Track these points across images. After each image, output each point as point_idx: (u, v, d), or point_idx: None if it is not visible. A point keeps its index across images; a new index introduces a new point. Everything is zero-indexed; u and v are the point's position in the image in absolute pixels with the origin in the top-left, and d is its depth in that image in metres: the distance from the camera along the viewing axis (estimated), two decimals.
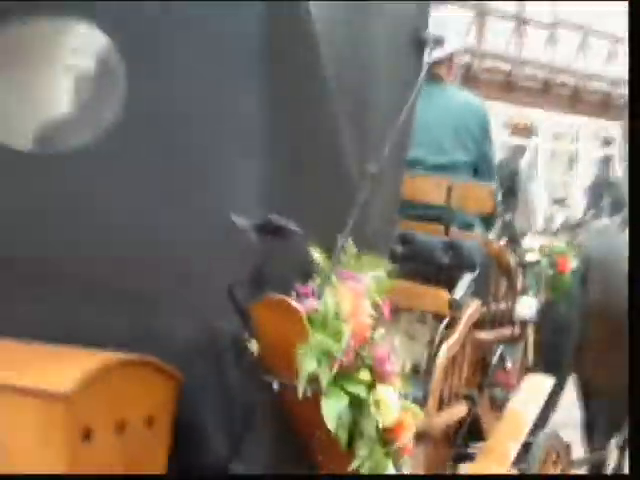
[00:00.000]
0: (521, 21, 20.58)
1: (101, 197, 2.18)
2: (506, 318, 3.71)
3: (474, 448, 3.64)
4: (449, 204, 3.38)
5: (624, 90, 22.93)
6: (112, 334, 2.12)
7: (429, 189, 3.36)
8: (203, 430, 2.18)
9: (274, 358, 2.09)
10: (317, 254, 2.15)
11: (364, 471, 2.14)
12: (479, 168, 3.62)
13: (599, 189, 5.88)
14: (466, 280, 3.22)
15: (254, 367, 2.12)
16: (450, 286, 3.25)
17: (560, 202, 7.48)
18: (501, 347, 3.74)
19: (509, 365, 3.81)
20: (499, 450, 3.52)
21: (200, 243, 2.13)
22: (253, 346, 2.09)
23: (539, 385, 3.80)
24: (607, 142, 23.70)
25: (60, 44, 2.42)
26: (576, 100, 21.84)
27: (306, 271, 2.17)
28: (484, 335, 3.51)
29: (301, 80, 2.17)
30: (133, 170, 2.17)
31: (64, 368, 1.98)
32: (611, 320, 4.82)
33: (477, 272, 3.29)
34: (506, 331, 3.71)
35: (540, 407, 3.70)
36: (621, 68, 22.92)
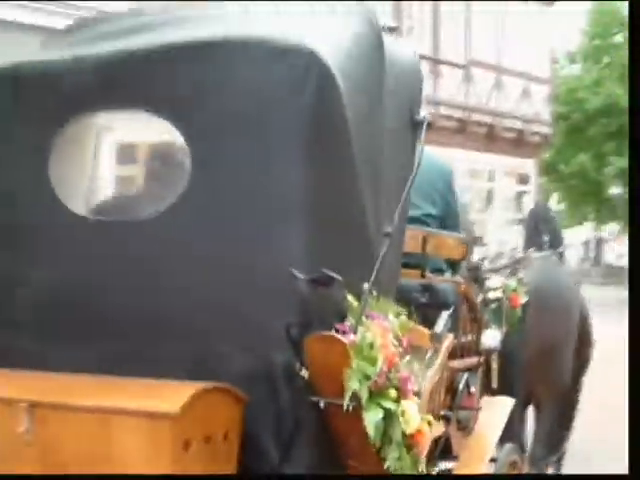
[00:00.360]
0: (436, 62, 21.61)
1: (176, 256, 2.81)
2: (472, 349, 4.40)
3: (446, 465, 4.28)
4: (424, 252, 4.08)
5: (538, 128, 24.29)
6: (186, 365, 2.74)
7: (407, 240, 4.04)
8: (261, 440, 2.79)
9: (321, 381, 2.73)
10: (351, 299, 2.80)
11: (393, 471, 2.79)
12: (446, 220, 4.34)
13: (536, 224, 6.58)
14: (444, 317, 3.91)
15: (303, 390, 2.76)
16: (426, 322, 3.92)
17: (477, 240, 8.23)
18: (466, 374, 4.42)
19: (473, 390, 4.49)
20: (470, 467, 4.15)
21: (256, 291, 2.76)
22: (304, 372, 2.73)
23: (501, 406, 4.50)
24: (522, 179, 25.03)
25: (131, 132, 3.06)
26: (491, 138, 22.96)
27: (340, 311, 2.82)
28: (455, 364, 4.19)
29: (334, 159, 2.84)
30: (199, 232, 2.80)
31: (166, 395, 2.60)
32: (546, 344, 5.59)
33: (452, 310, 3.98)
34: (473, 360, 4.40)
35: (503, 425, 4.39)
36: (535, 106, 24.30)
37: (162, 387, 2.66)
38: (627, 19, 28.42)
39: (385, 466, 2.78)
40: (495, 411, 4.43)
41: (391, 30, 14.83)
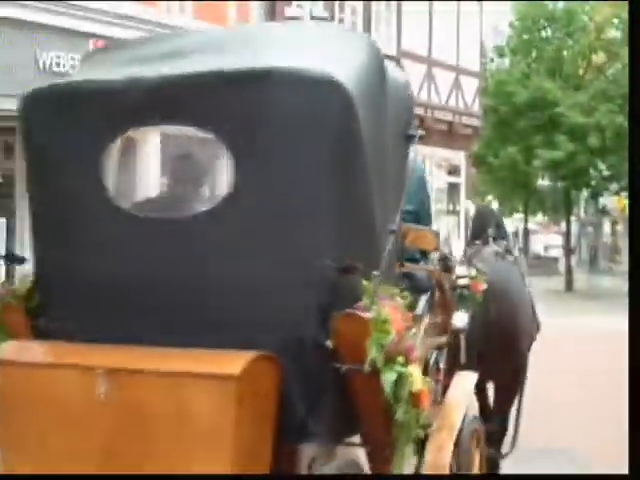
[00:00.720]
0: None
1: (226, 248, 3.51)
2: (443, 328, 5.17)
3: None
4: (403, 245, 4.82)
5: (468, 120, 25.34)
6: (235, 338, 3.43)
7: None
8: (292, 399, 3.50)
9: (345, 350, 3.46)
10: (367, 284, 3.53)
11: (402, 423, 3.53)
12: (420, 214, 5.10)
13: (482, 219, 7.39)
14: (423, 300, 4.68)
15: (328, 357, 3.48)
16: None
17: None
18: (436, 351, 5.18)
19: (441, 365, 5.26)
20: (442, 433, 4.87)
21: (291, 278, 3.47)
22: (330, 343, 3.46)
23: (467, 380, 5.28)
24: (453, 171, 26.07)
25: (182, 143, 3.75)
26: (422, 130, 23.76)
27: (356, 294, 3.55)
28: (428, 342, 4.95)
29: (352, 171, 3.56)
30: (244, 229, 3.50)
31: (225, 361, 3.30)
32: (498, 330, 6.38)
33: (429, 294, 4.76)
34: (443, 338, 5.18)
35: (469, 397, 5.16)
36: (465, 98, 25.33)
37: (218, 355, 3.36)
38: (554, 13, 29.72)
39: (394, 419, 3.52)
40: (462, 384, 5.20)
41: (322, 20, 15.62)
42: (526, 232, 34.41)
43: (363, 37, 4.01)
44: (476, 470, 5.12)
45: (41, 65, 14.53)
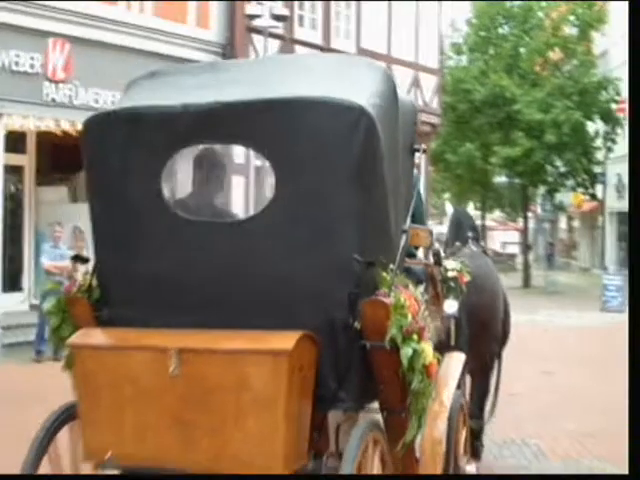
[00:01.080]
0: (326, 51, 23.12)
1: (270, 246, 4.37)
2: (435, 315, 6.06)
3: None
4: None
5: (427, 117, 26.31)
6: (278, 321, 4.28)
7: None
8: (325, 372, 4.37)
9: (369, 330, 4.34)
10: (385, 275, 4.42)
11: (417, 391, 4.41)
12: (415, 215, 5.97)
13: (459, 223, 8.38)
14: (420, 290, 5.59)
15: (355, 337, 4.36)
16: None
17: None
18: None
19: None
20: (436, 407, 5.71)
21: (326, 271, 4.34)
22: (357, 324, 4.34)
23: (456, 359, 6.17)
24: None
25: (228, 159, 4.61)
26: None
27: (376, 284, 4.43)
28: None
29: (374, 182, 4.44)
30: (285, 230, 4.35)
31: (276, 340, 4.15)
32: (479, 321, 7.33)
33: (424, 286, 5.67)
34: (437, 323, 6.07)
35: (459, 375, 6.06)
36: (424, 96, 26.30)
37: (270, 335, 4.20)
38: (511, 10, 30.87)
39: (411, 388, 4.41)
40: (452, 363, 6.10)
41: (281, 18, 16.57)
42: (483, 229, 35.59)
43: (380, 67, 4.91)
44: (462, 441, 5.97)
45: (0, 64, 15.23)
